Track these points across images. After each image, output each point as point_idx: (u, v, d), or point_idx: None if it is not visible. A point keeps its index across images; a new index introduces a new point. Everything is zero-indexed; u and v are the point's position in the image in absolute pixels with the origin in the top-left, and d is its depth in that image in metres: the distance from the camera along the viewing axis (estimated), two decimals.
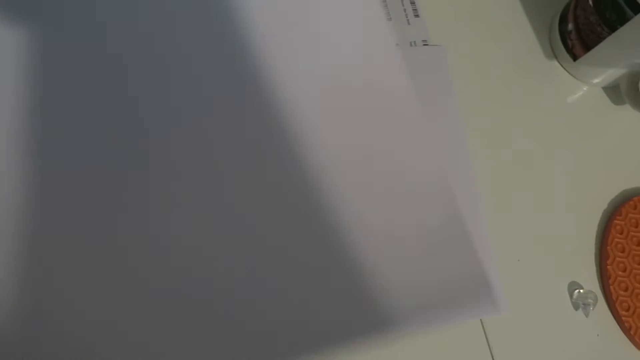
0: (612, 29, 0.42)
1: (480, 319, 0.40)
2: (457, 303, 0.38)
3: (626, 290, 0.42)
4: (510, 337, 0.40)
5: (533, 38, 0.50)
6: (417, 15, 0.48)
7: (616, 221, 0.43)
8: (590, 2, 0.44)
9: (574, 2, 0.47)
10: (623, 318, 0.41)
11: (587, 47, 0.46)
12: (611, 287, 0.41)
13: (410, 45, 0.46)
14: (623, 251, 0.43)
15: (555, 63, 0.50)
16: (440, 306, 0.37)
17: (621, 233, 0.43)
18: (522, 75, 0.48)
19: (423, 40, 0.46)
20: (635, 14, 0.40)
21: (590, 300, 0.41)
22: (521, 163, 0.45)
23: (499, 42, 0.49)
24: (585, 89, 0.49)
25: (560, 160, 0.46)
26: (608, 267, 0.42)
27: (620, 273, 0.42)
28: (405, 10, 0.48)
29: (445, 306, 0.37)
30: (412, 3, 0.48)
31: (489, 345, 0.39)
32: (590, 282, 0.42)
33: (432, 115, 0.44)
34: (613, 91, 0.50)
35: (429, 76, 0.45)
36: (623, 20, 0.41)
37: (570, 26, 0.47)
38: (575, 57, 0.47)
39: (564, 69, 0.49)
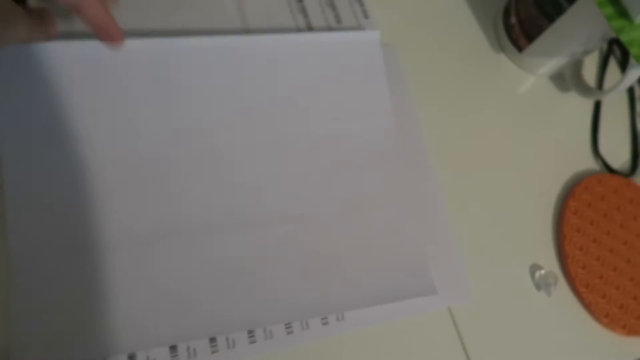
0: (551, 20, 0.44)
1: (449, 308, 0.41)
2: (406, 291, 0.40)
3: (584, 267, 0.44)
4: (479, 323, 0.41)
5: (479, 32, 0.52)
6: (366, 17, 0.49)
7: (570, 202, 0.45)
8: None
9: None
10: (583, 295, 0.43)
11: (530, 38, 0.48)
12: (569, 265, 0.43)
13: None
14: (578, 230, 0.45)
15: (502, 56, 0.51)
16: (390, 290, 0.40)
17: (575, 213, 0.45)
18: (471, 69, 0.50)
19: None
20: (570, 4, 0.42)
21: (550, 280, 0.42)
22: (476, 154, 0.46)
23: (446, 38, 0.50)
24: (532, 79, 0.51)
25: (514, 149, 0.48)
26: (566, 247, 0.44)
27: (577, 252, 0.44)
28: (354, 12, 0.49)
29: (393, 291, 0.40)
30: (361, 5, 0.49)
31: (458, 332, 0.40)
32: (550, 263, 0.44)
33: (386, 111, 0.45)
34: (559, 79, 0.52)
35: (383, 76, 0.46)
36: (560, 11, 0.43)
37: (514, 19, 0.49)
38: (520, 49, 0.49)
39: (511, 61, 0.51)
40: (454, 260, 0.42)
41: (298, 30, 0.46)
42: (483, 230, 0.44)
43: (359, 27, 0.48)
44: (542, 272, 0.43)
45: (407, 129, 0.45)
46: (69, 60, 0.38)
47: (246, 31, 0.45)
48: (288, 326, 0.38)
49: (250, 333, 0.37)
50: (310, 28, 0.47)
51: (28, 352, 0.33)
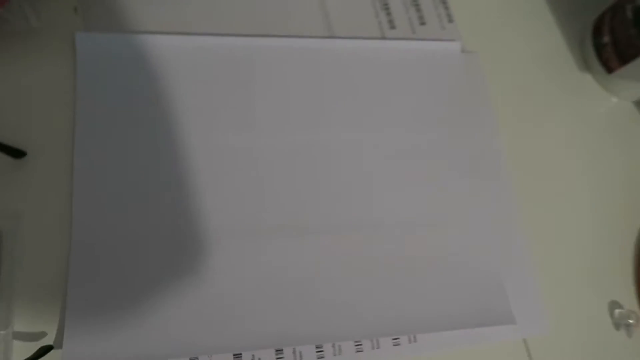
0: None
1: (524, 339, 0.38)
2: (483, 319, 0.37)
3: None
4: (554, 357, 0.38)
5: (564, 46, 0.49)
6: (451, 21, 0.46)
7: None
8: (630, 15, 0.44)
9: (610, 13, 0.46)
10: None
11: (624, 60, 0.45)
12: None
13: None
14: None
15: (587, 75, 0.49)
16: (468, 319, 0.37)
17: None
18: (552, 84, 0.47)
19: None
20: None
21: (631, 320, 0.40)
22: (555, 178, 0.44)
23: (529, 49, 0.48)
24: (615, 102, 0.49)
25: (594, 175, 0.45)
26: None
27: None
28: (439, 14, 0.46)
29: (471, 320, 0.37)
30: (446, 8, 0.47)
31: None
32: (631, 302, 0.41)
33: (471, 126, 0.42)
34: None
35: (466, 84, 0.44)
36: None
37: (606, 39, 0.46)
38: (610, 70, 0.47)
39: (596, 81, 0.49)
40: (531, 288, 0.40)
41: (380, 29, 0.44)
42: (560, 260, 0.41)
43: (442, 29, 0.45)
44: (622, 310, 0.40)
45: (488, 143, 0.43)
46: (165, 51, 0.38)
47: (328, 29, 0.43)
48: (358, 343, 0.36)
49: (319, 348, 0.35)
50: (392, 27, 0.44)
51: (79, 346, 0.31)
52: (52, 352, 0.31)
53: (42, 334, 0.32)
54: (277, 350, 0.34)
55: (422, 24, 0.45)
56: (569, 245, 0.42)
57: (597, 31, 0.48)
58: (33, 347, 0.31)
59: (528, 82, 0.47)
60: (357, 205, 0.38)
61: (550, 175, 0.44)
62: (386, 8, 0.45)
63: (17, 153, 0.34)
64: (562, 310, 0.40)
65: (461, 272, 0.38)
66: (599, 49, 0.47)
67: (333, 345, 0.35)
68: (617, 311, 0.40)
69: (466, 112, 0.43)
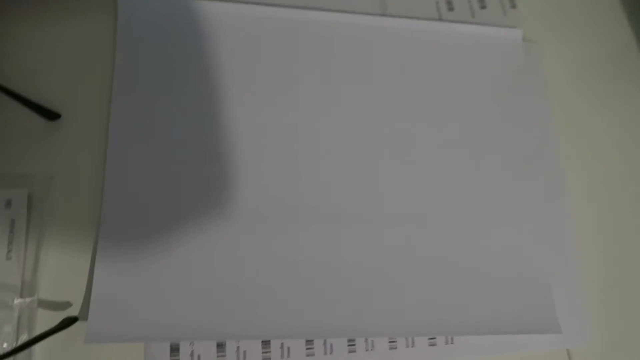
0: None
1: (567, 350, 0.36)
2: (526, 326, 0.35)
3: None
4: None
5: (632, 47, 0.46)
6: (513, 7, 0.43)
7: None
8: None
9: None
10: None
11: None
12: None
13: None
14: None
15: None
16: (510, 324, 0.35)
17: None
18: (616, 77, 0.44)
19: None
20: None
21: None
22: (616, 177, 0.41)
23: (594, 41, 0.44)
24: None
25: None
26: None
27: None
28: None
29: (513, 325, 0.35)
30: None
31: None
32: None
33: (526, 119, 0.40)
34: None
35: (524, 76, 0.41)
36: None
37: None
38: None
39: None
40: (580, 297, 0.37)
41: (437, 9, 0.41)
42: (613, 269, 0.39)
43: (504, 15, 0.42)
44: None
45: (542, 138, 0.40)
46: (210, 16, 0.37)
47: (382, 6, 0.40)
48: (392, 340, 0.34)
49: (351, 342, 0.33)
50: (451, 8, 0.42)
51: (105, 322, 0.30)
52: (77, 324, 0.30)
53: (68, 304, 0.31)
54: (307, 341, 0.33)
55: (483, 7, 0.42)
56: (624, 253, 0.39)
57: None
58: (58, 317, 0.30)
59: (588, 80, 0.43)
60: (400, 196, 0.36)
61: (609, 178, 0.41)
62: None
63: (51, 115, 0.33)
64: (610, 322, 0.37)
65: (506, 274, 0.36)
66: None
67: (366, 340, 0.33)
68: None
69: (522, 105, 0.40)
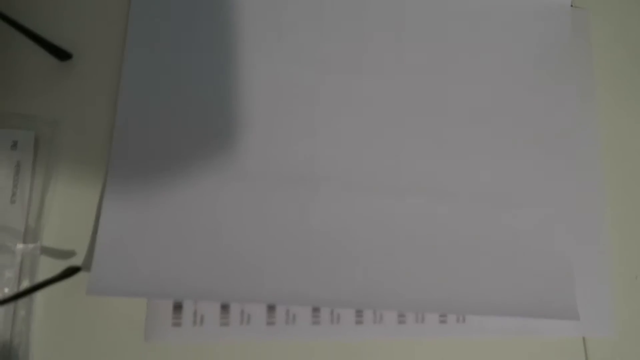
0: None
1: (583, 338, 0.35)
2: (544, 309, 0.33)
3: None
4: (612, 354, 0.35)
5: None
6: None
7: None
8: None
9: None
10: None
11: None
12: None
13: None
14: None
15: None
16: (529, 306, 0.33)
17: None
18: None
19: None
20: None
21: None
22: None
23: None
24: None
25: None
26: None
27: None
28: None
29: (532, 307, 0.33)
30: None
31: None
32: None
33: (566, 93, 0.37)
34: None
35: (570, 46, 0.38)
36: None
37: None
38: None
39: None
40: (601, 285, 0.35)
41: None
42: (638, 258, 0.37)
43: None
44: None
45: (581, 113, 0.37)
46: None
47: None
48: (401, 315, 0.33)
49: (358, 312, 0.32)
50: None
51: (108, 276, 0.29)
52: (79, 274, 0.29)
53: (72, 253, 0.30)
54: (313, 309, 0.32)
55: None
56: None
57: None
58: (61, 266, 0.29)
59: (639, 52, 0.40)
60: (421, 167, 0.34)
61: None
62: None
63: (62, 54, 0.31)
64: (630, 314, 0.35)
65: (527, 255, 0.34)
66: None
67: (374, 312, 0.32)
68: None
69: (563, 77, 0.37)
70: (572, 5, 0.38)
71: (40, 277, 0.29)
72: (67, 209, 0.30)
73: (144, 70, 0.32)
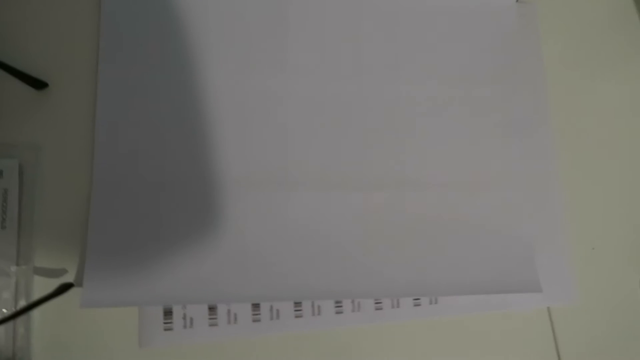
0: None
1: (548, 307, 0.37)
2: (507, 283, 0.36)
3: None
4: (578, 328, 0.37)
5: (628, 5, 0.44)
6: None
7: None
8: None
9: None
10: None
11: None
12: None
13: None
14: None
15: None
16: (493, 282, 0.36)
17: None
18: (611, 41, 0.43)
19: None
20: None
21: None
22: (604, 141, 0.41)
23: (590, 2, 0.44)
24: None
25: None
26: None
27: None
28: None
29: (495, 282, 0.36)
30: None
31: (554, 334, 0.37)
32: None
33: (518, 83, 0.40)
34: None
35: (518, 38, 0.40)
36: None
37: None
38: None
39: None
40: (562, 256, 0.38)
41: None
42: (597, 229, 0.39)
43: None
44: None
45: (533, 100, 0.40)
46: None
47: None
48: (378, 301, 0.35)
49: (338, 303, 0.34)
50: None
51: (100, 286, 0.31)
52: (72, 289, 0.31)
53: (63, 271, 0.32)
54: (295, 304, 0.34)
55: None
56: (608, 215, 0.40)
57: None
58: (53, 284, 0.31)
59: (585, 39, 0.43)
60: (389, 159, 0.36)
61: (597, 141, 0.41)
62: None
63: (38, 84, 0.33)
64: (591, 280, 0.38)
65: (490, 236, 0.37)
66: None
67: (352, 302, 0.35)
68: None
69: (515, 68, 0.40)
70: (518, 1, 0.41)
71: (36, 296, 0.31)
72: (55, 230, 0.32)
73: (116, 95, 0.34)
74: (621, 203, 0.40)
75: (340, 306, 0.34)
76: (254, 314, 0.33)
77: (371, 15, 0.38)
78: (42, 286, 0.31)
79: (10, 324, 0.30)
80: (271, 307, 0.34)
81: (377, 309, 0.35)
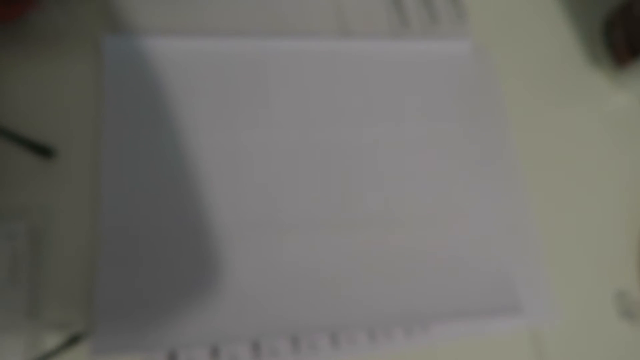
0: None
1: (530, 328, 0.40)
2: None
3: None
4: (561, 345, 0.40)
5: (575, 44, 0.49)
6: (462, 17, 0.47)
7: None
8: None
9: (627, 6, 0.46)
10: None
11: (637, 53, 0.45)
12: None
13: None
14: None
15: (598, 71, 0.49)
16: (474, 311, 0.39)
17: None
18: (561, 79, 0.48)
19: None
20: None
21: (635, 309, 0.41)
22: (565, 173, 0.45)
23: (541, 46, 0.48)
24: (625, 98, 0.49)
25: (603, 170, 0.46)
26: None
27: None
28: (450, 12, 0.47)
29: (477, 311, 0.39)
30: (457, 5, 0.47)
31: (539, 353, 0.39)
32: (634, 292, 0.42)
33: (482, 121, 0.43)
34: None
35: (477, 82, 0.44)
36: None
37: (619, 32, 0.47)
38: (621, 65, 0.47)
39: (606, 77, 0.49)
40: (540, 279, 0.41)
41: (392, 26, 0.45)
42: (569, 251, 0.42)
43: (455, 25, 0.46)
44: (627, 298, 0.41)
45: (499, 139, 0.44)
46: (186, 53, 0.40)
47: (341, 26, 0.44)
48: (371, 333, 0.37)
49: (334, 337, 0.36)
50: (405, 25, 0.45)
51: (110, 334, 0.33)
52: (81, 343, 0.33)
53: (72, 325, 0.34)
54: (293, 341, 0.36)
55: (434, 21, 0.46)
56: (576, 236, 0.43)
57: (610, 25, 0.48)
58: (63, 337, 0.33)
59: (539, 78, 0.47)
60: (371, 200, 0.39)
61: (560, 170, 0.45)
62: (398, 5, 0.46)
63: (45, 152, 0.36)
64: (568, 300, 0.41)
65: (469, 264, 0.39)
66: (610, 44, 0.48)
67: (347, 334, 0.37)
68: (622, 299, 0.41)
69: (477, 109, 0.44)
70: (474, 48, 0.45)
71: (47, 348, 0.32)
72: (64, 287, 0.34)
73: (119, 161, 0.36)
74: (583, 223, 0.44)
75: (337, 340, 0.36)
76: (254, 355, 0.35)
77: (344, 72, 0.42)
78: (53, 340, 0.33)
79: None
80: (270, 347, 0.35)
81: (370, 339, 0.37)
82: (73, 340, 0.32)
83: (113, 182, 0.36)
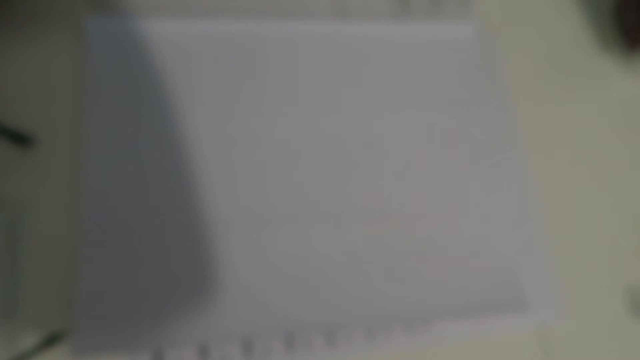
0: None
1: (536, 324, 0.38)
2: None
3: None
4: (567, 342, 0.38)
5: (586, 28, 0.47)
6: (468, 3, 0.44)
7: None
8: None
9: None
10: None
11: None
12: None
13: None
14: None
15: (608, 55, 0.47)
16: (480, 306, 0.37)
17: None
18: (572, 65, 0.46)
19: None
20: None
21: None
22: (574, 163, 0.43)
23: (548, 28, 0.46)
24: (637, 84, 0.47)
25: (614, 159, 0.44)
26: None
27: None
28: None
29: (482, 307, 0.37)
30: None
31: (542, 348, 0.37)
32: None
33: (487, 111, 0.41)
34: None
35: (482, 67, 0.42)
36: None
37: (632, 16, 0.44)
38: (633, 48, 0.45)
39: (618, 60, 0.47)
40: (547, 275, 0.39)
41: (393, 7, 0.43)
42: (576, 245, 0.40)
43: (458, 7, 0.44)
44: (637, 293, 0.39)
45: (504, 127, 0.42)
46: (174, 34, 0.38)
47: (340, 6, 0.41)
48: (369, 331, 0.35)
49: (330, 335, 0.35)
50: (407, 5, 0.43)
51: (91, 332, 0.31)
52: (61, 340, 0.31)
53: (51, 322, 0.32)
54: (287, 340, 0.34)
55: (437, 2, 0.44)
56: (584, 229, 0.41)
57: (620, 10, 0.46)
58: (41, 337, 0.31)
59: (546, 65, 0.45)
60: (369, 192, 0.37)
61: (569, 160, 0.42)
62: None
63: (24, 140, 0.34)
64: (576, 295, 0.39)
65: (475, 259, 0.37)
66: (621, 28, 0.46)
67: (344, 332, 0.35)
68: (631, 296, 0.39)
69: (481, 96, 0.41)
70: (480, 32, 0.43)
71: (25, 348, 0.31)
72: (43, 283, 0.32)
73: (102, 149, 0.34)
74: (597, 217, 0.41)
75: (334, 338, 0.34)
76: (245, 354, 0.33)
77: (342, 56, 0.40)
78: (31, 338, 0.31)
79: None
80: (263, 346, 0.34)
81: (368, 338, 0.35)
82: (52, 340, 0.31)
83: (96, 173, 0.34)
